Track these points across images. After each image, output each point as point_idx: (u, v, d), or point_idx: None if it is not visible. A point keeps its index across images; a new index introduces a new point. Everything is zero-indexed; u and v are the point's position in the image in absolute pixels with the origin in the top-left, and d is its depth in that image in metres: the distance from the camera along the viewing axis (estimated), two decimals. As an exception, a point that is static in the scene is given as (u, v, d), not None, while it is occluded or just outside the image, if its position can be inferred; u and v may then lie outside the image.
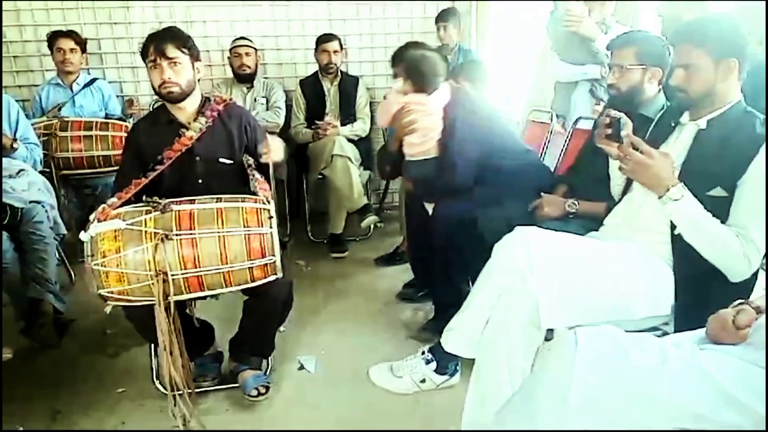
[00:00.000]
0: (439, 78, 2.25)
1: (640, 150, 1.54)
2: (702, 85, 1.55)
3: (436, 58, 2.26)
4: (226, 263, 1.74)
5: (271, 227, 1.78)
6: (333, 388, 2.13)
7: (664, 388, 1.10)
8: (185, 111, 2.03)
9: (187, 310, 2.02)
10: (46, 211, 2.48)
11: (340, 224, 3.48)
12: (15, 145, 2.56)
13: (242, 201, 1.83)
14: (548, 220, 1.99)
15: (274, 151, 1.99)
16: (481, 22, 4.10)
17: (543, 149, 2.96)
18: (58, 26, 3.51)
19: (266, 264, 1.79)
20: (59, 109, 3.30)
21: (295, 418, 1.98)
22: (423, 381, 2.07)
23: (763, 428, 1.06)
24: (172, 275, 1.70)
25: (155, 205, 1.75)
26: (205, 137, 2.01)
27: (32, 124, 2.88)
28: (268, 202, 1.83)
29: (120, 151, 2.46)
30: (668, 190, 1.52)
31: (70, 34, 3.35)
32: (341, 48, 3.67)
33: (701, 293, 1.57)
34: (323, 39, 3.62)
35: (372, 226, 3.61)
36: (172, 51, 1.92)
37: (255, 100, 3.67)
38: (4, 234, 2.32)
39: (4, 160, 2.43)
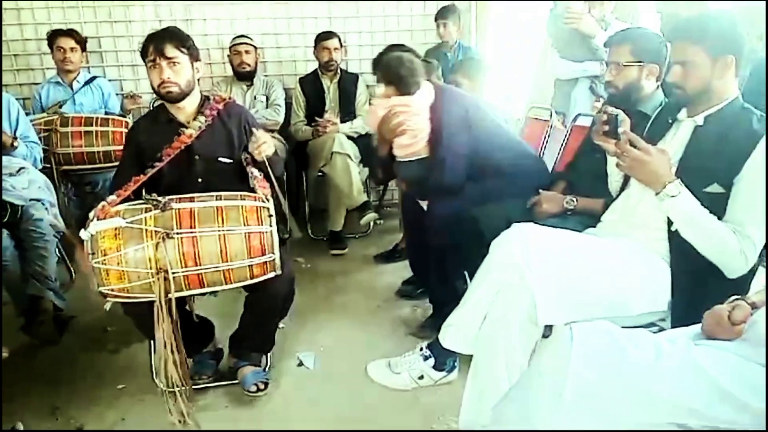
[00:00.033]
0: (419, 78, 2.23)
1: (637, 147, 1.54)
2: (699, 81, 1.56)
3: (412, 58, 2.24)
4: (227, 261, 1.75)
5: (270, 225, 1.79)
6: (332, 384, 2.14)
7: (659, 384, 1.10)
8: (185, 110, 2.04)
9: (187, 307, 2.03)
10: (46, 208, 2.49)
11: (339, 221, 3.48)
12: (15, 144, 2.57)
13: (242, 199, 1.84)
14: (546, 217, 2.00)
15: (265, 144, 1.99)
16: (480, 19, 4.10)
17: (542, 146, 2.96)
18: (59, 24, 3.52)
19: (266, 261, 1.80)
20: (60, 107, 3.31)
21: (294, 414, 1.99)
22: (421, 377, 2.08)
23: (763, 426, 1.06)
24: (173, 273, 1.71)
25: (155, 203, 1.75)
26: (204, 136, 2.02)
27: (32, 121, 2.90)
28: (268, 200, 1.84)
29: (120, 147, 2.47)
30: (665, 186, 1.52)
31: (70, 33, 3.36)
32: (341, 45, 3.67)
33: (698, 289, 1.57)
34: (323, 36, 3.62)
35: (371, 223, 3.61)
36: (171, 51, 1.93)
37: (255, 97, 3.67)
38: (4, 231, 2.32)
39: (4, 158, 2.43)
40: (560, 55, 3.04)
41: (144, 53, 1.96)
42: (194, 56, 2.01)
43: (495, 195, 2.12)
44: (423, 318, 2.56)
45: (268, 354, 2.21)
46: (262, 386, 2.03)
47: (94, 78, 3.52)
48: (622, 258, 1.65)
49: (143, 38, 1.98)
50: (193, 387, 2.02)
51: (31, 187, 2.45)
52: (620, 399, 1.11)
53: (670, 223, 1.60)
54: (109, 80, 3.68)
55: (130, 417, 1.99)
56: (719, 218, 1.53)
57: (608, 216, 1.84)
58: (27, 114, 2.86)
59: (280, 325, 2.25)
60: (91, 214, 1.71)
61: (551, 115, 3.03)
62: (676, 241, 1.60)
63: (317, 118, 3.54)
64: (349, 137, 3.49)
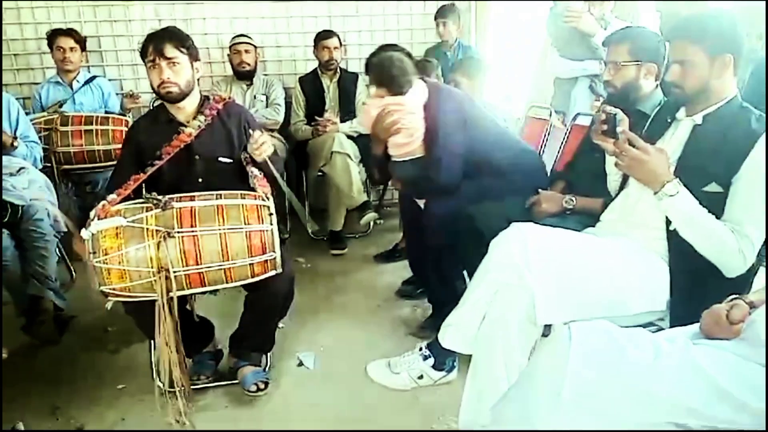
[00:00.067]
0: (411, 76, 2.22)
1: (636, 146, 1.55)
2: (697, 81, 1.55)
3: (402, 57, 2.23)
4: (228, 260, 1.76)
5: (271, 224, 1.80)
6: (332, 384, 2.14)
7: (657, 383, 1.10)
8: (184, 110, 2.04)
9: (187, 306, 2.03)
10: (47, 208, 2.49)
11: (339, 221, 3.48)
12: (15, 143, 2.58)
13: (242, 198, 1.84)
14: (545, 216, 2.00)
15: (264, 145, 1.99)
16: (480, 19, 4.10)
17: (542, 145, 2.96)
18: (59, 24, 3.52)
19: (266, 260, 1.80)
20: (60, 106, 3.31)
21: (294, 414, 1.99)
22: (420, 377, 2.08)
23: (763, 426, 1.06)
24: (174, 272, 1.71)
25: (156, 202, 1.76)
26: (204, 136, 2.02)
27: (32, 120, 2.90)
28: (268, 199, 1.84)
29: (120, 146, 2.47)
30: (664, 185, 1.52)
31: (70, 33, 3.36)
32: (340, 44, 3.67)
33: (696, 289, 1.57)
34: (323, 36, 3.62)
35: (371, 223, 3.61)
36: (170, 51, 1.93)
37: (254, 97, 3.67)
38: (5, 231, 2.33)
39: (4, 158, 2.44)
40: (560, 53, 3.04)
41: (143, 53, 1.96)
42: (194, 56, 2.01)
43: (492, 193, 2.12)
44: (423, 318, 2.56)
45: (268, 354, 2.21)
46: (262, 386, 2.03)
47: (93, 77, 3.52)
48: (620, 257, 1.65)
49: (143, 38, 1.98)
50: (193, 387, 2.02)
51: (32, 187, 2.45)
52: (619, 398, 1.11)
53: (668, 222, 1.60)
54: (109, 80, 3.69)
55: (130, 417, 1.99)
56: (718, 217, 1.53)
57: (607, 215, 1.84)
58: (27, 113, 2.86)
59: (280, 325, 2.25)
60: (91, 213, 1.72)
61: (551, 114, 3.03)
62: (674, 240, 1.60)
63: (317, 118, 3.54)
64: (349, 136, 3.49)
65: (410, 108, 2.21)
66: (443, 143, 2.18)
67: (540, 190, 2.12)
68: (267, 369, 2.17)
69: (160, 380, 1.92)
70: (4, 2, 3.50)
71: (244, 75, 3.64)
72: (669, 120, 1.72)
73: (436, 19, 3.69)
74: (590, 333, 1.17)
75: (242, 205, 1.80)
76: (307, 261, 3.32)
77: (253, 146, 1.98)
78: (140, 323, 1.90)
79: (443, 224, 2.13)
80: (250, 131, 2.04)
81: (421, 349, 2.12)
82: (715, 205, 1.53)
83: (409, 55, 2.28)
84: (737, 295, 1.27)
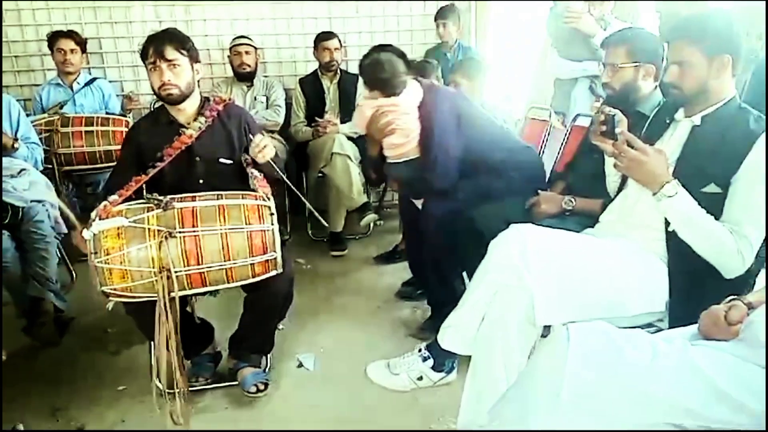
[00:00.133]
0: (403, 77, 2.20)
1: (634, 147, 1.55)
2: (695, 81, 1.55)
3: (391, 58, 2.20)
4: (229, 260, 1.76)
5: (272, 224, 1.80)
6: (331, 385, 2.14)
7: (656, 384, 1.10)
8: (185, 112, 2.04)
9: (188, 308, 2.04)
10: (47, 210, 2.50)
11: (339, 222, 3.48)
12: (16, 145, 2.57)
13: (243, 198, 1.85)
14: (545, 217, 2.00)
15: (266, 148, 1.99)
16: (480, 19, 4.10)
17: (542, 146, 2.96)
18: (59, 26, 3.53)
19: (267, 260, 1.81)
20: (60, 108, 3.32)
21: (294, 415, 1.99)
22: (420, 378, 2.08)
23: (763, 426, 1.06)
24: (176, 272, 1.71)
25: (157, 202, 1.76)
26: (204, 137, 2.02)
27: (33, 122, 2.90)
28: (268, 199, 1.84)
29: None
30: (663, 186, 1.52)
31: (71, 35, 3.37)
32: (341, 46, 3.67)
33: (695, 290, 1.57)
34: (323, 37, 3.62)
35: (371, 224, 3.61)
36: (171, 53, 1.93)
37: (255, 98, 3.68)
38: (5, 233, 2.33)
39: (5, 159, 2.44)
40: (560, 54, 3.04)
41: (144, 55, 1.97)
42: (194, 58, 2.02)
43: (490, 192, 2.12)
44: (423, 319, 2.55)
45: (268, 355, 2.21)
46: (261, 387, 2.04)
47: (94, 79, 3.53)
48: (619, 258, 1.65)
49: (144, 39, 1.99)
50: (192, 389, 2.02)
51: (32, 188, 2.45)
52: (617, 399, 1.11)
53: (667, 223, 1.60)
54: (110, 81, 3.69)
55: (130, 418, 1.99)
56: (716, 218, 1.53)
57: (606, 216, 1.84)
58: (28, 115, 2.86)
59: (280, 326, 2.26)
60: (93, 214, 1.72)
61: (551, 116, 3.03)
62: (673, 241, 1.60)
63: (317, 119, 3.54)
64: (350, 138, 3.48)
65: (404, 109, 2.20)
66: (439, 144, 2.18)
67: (539, 191, 2.12)
68: (267, 370, 2.17)
69: (159, 381, 1.91)
70: (4, 4, 3.51)
71: (244, 76, 3.64)
72: (668, 121, 1.72)
73: (436, 20, 3.70)
74: (588, 334, 1.17)
75: (243, 205, 1.81)
76: (307, 262, 3.32)
77: (255, 149, 1.98)
78: (141, 324, 1.90)
79: (441, 225, 2.13)
80: (251, 135, 2.04)
81: (420, 350, 2.12)
82: (714, 206, 1.53)
83: (402, 55, 2.25)
84: (735, 296, 1.27)
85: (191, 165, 2.03)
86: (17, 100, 2.76)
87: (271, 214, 1.81)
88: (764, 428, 1.06)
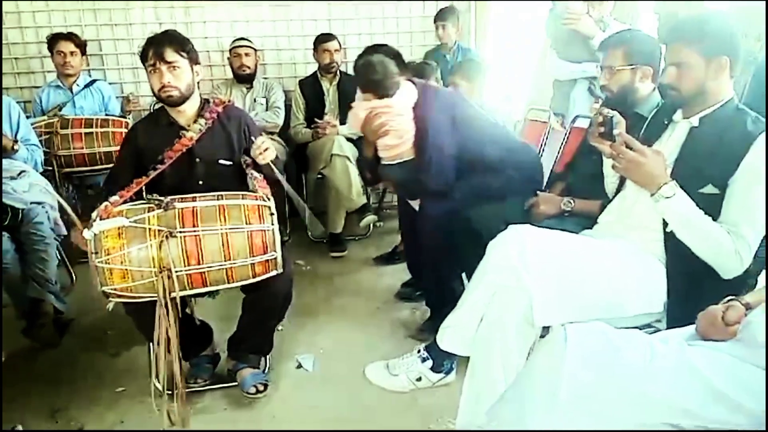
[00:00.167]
0: (396, 78, 2.18)
1: (632, 148, 1.55)
2: (693, 83, 1.56)
3: (383, 59, 2.18)
4: (229, 260, 1.77)
5: (272, 224, 1.81)
6: (331, 386, 2.15)
7: (653, 384, 1.11)
8: (185, 114, 2.05)
9: (187, 309, 2.04)
10: (47, 212, 2.50)
11: (339, 223, 3.48)
12: (16, 147, 2.58)
13: (243, 198, 1.86)
14: (544, 218, 2.00)
15: (268, 150, 2.00)
16: (480, 21, 4.11)
17: (541, 147, 2.96)
18: (59, 28, 3.54)
19: (267, 260, 1.81)
20: (60, 110, 3.32)
21: (293, 416, 1.99)
22: (419, 379, 2.08)
23: (763, 426, 1.06)
24: (176, 272, 1.72)
25: (158, 202, 1.77)
26: (204, 139, 2.03)
27: (33, 124, 2.91)
28: (269, 199, 1.85)
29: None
30: (660, 187, 1.53)
31: (70, 37, 3.37)
32: (340, 47, 3.68)
33: (693, 290, 1.57)
34: (323, 39, 3.62)
35: (371, 226, 3.62)
36: (171, 55, 1.94)
37: (254, 100, 3.68)
38: (5, 235, 2.33)
39: (5, 161, 2.44)
40: (559, 55, 3.04)
41: (144, 57, 1.97)
42: (194, 60, 2.02)
43: (488, 191, 2.12)
44: (422, 320, 2.55)
45: (267, 356, 2.21)
46: (261, 388, 2.04)
47: (93, 81, 3.53)
48: (618, 259, 1.65)
49: (143, 41, 1.99)
50: (191, 390, 2.03)
51: (32, 190, 2.46)
52: (615, 399, 1.11)
53: (665, 224, 1.61)
54: (110, 83, 3.70)
55: (130, 419, 1.99)
56: (714, 219, 1.53)
57: (604, 217, 1.84)
58: (28, 117, 2.87)
59: (279, 327, 2.26)
60: (93, 214, 1.73)
61: (550, 117, 3.03)
62: (671, 242, 1.60)
63: (317, 120, 3.54)
64: (349, 139, 3.49)
65: (398, 110, 2.19)
66: (433, 144, 2.17)
67: (538, 192, 2.13)
68: (266, 371, 2.18)
69: (158, 382, 1.92)
70: (4, 6, 3.52)
71: (244, 78, 3.65)
72: (666, 122, 1.73)
73: (435, 22, 3.70)
74: (586, 334, 1.17)
75: (243, 205, 1.82)
76: (307, 263, 3.33)
77: (257, 151, 1.98)
78: (140, 324, 1.90)
79: (439, 225, 2.13)
80: (251, 137, 2.04)
81: (419, 351, 2.12)
82: (712, 207, 1.53)
83: (396, 55, 2.23)
84: (733, 297, 1.27)
85: (191, 166, 2.04)
86: (17, 102, 2.76)
87: (272, 214, 1.82)
88: (764, 429, 1.06)
